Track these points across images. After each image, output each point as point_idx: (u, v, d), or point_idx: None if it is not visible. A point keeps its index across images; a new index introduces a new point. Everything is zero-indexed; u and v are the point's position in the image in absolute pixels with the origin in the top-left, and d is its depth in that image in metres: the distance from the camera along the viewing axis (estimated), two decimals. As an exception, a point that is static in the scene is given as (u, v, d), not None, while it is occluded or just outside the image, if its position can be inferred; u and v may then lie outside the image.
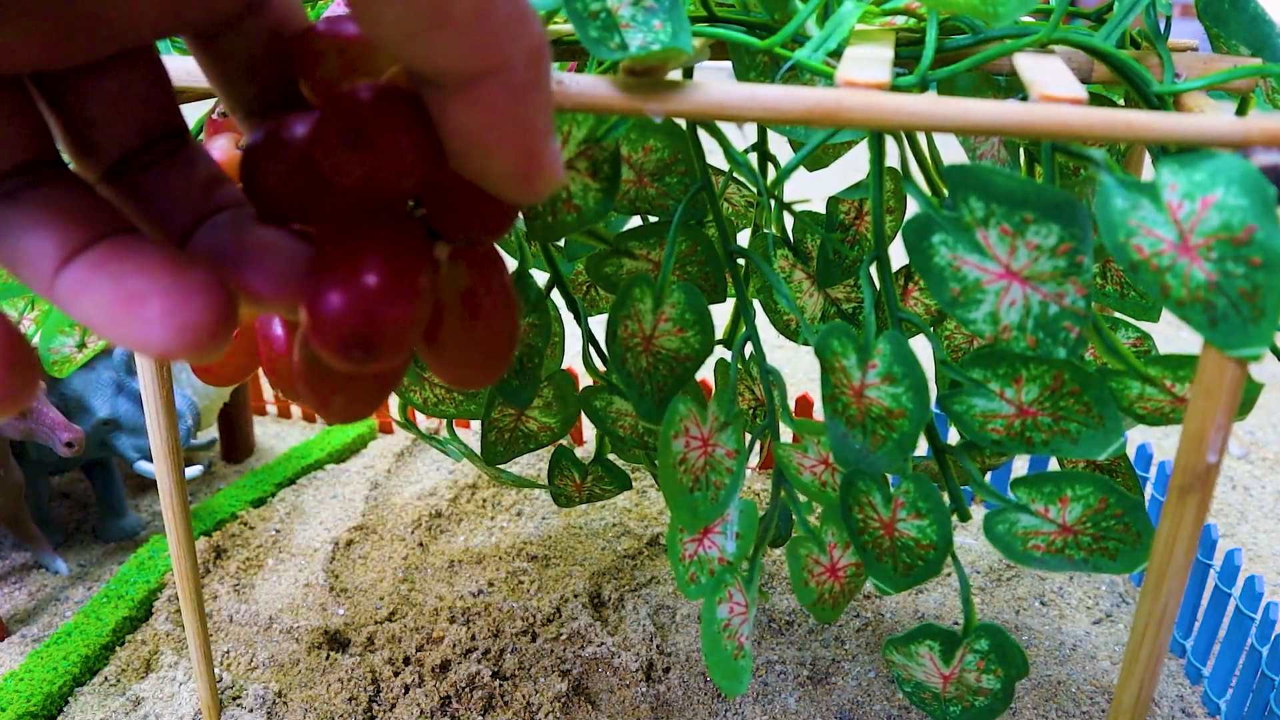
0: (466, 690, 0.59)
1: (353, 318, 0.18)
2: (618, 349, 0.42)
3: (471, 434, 0.96)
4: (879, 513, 0.39)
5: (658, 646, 0.63)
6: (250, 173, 0.20)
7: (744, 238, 0.53)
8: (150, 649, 0.64)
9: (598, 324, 1.01)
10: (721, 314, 0.52)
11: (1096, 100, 0.42)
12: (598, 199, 0.39)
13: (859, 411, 0.37)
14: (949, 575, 0.72)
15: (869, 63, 0.32)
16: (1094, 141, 0.27)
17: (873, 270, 0.39)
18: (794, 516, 0.46)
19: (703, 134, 0.42)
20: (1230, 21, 0.40)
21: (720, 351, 0.48)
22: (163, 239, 0.20)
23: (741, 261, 0.47)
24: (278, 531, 0.78)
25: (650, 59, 0.29)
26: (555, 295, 0.48)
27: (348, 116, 0.18)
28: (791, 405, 0.85)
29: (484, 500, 0.82)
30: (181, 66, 0.32)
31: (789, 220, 0.50)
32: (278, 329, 0.27)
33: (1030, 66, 0.33)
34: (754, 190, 0.52)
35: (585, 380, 0.80)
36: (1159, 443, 0.89)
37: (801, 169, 0.45)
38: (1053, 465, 0.78)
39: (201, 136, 0.41)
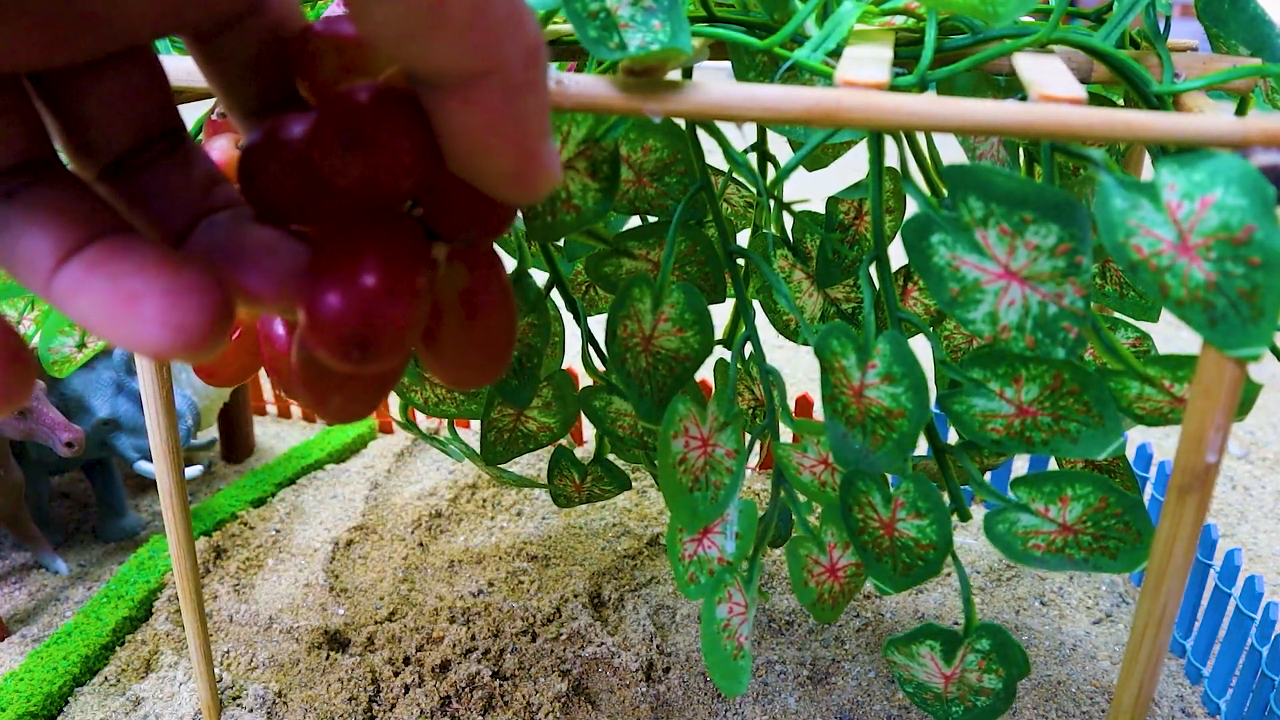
0: (466, 690, 0.59)
1: (351, 318, 0.18)
2: (617, 349, 0.42)
3: (471, 434, 0.96)
4: (879, 513, 0.39)
5: (658, 646, 0.63)
6: (248, 173, 0.20)
7: (744, 238, 0.53)
8: (150, 649, 0.64)
9: (597, 324, 1.01)
10: (721, 314, 0.52)
11: (1096, 100, 0.42)
12: (597, 199, 0.39)
13: (859, 411, 0.37)
14: (949, 575, 0.72)
15: (868, 63, 0.32)
16: (1093, 141, 0.27)
17: (872, 270, 0.39)
18: (794, 516, 0.46)
19: (702, 134, 0.42)
20: (1230, 22, 0.40)
21: (720, 351, 0.48)
22: (160, 239, 0.20)
23: (741, 261, 0.47)
24: (278, 531, 0.78)
25: (649, 59, 0.29)
26: (554, 295, 0.48)
27: (346, 117, 0.18)
28: (791, 405, 0.85)
29: (484, 500, 0.82)
30: (180, 66, 0.32)
31: (788, 220, 0.50)
32: (279, 329, 0.27)
33: (1029, 66, 0.33)
34: (753, 190, 0.52)
35: (585, 380, 0.80)
36: (1159, 443, 0.89)
37: (801, 169, 0.45)
38: (1052, 465, 0.78)
39: (201, 137, 0.41)
